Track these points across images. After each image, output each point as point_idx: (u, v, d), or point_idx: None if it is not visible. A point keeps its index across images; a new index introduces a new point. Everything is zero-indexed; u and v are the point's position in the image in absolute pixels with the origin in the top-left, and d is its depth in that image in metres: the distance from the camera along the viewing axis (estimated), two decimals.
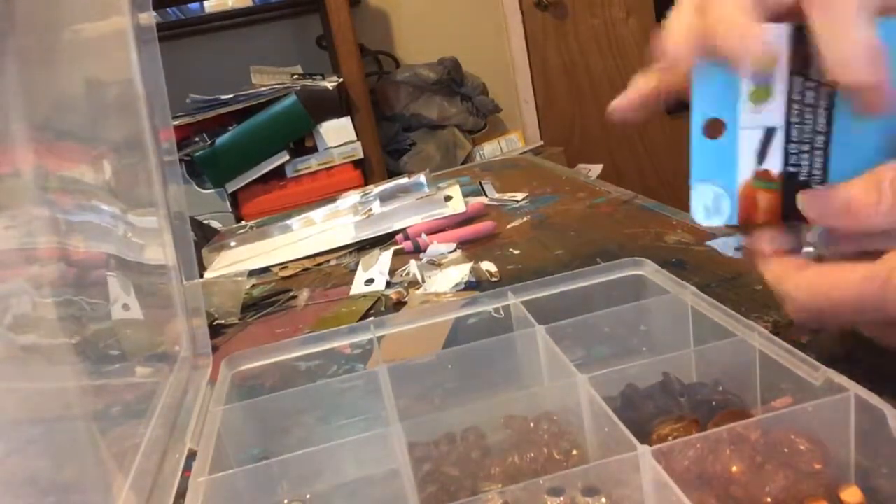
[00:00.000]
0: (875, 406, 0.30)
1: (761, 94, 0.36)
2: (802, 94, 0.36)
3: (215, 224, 1.49)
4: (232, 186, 2.00)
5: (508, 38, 2.65)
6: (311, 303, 0.78)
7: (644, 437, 0.33)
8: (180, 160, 1.85)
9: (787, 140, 0.36)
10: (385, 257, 0.84)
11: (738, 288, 0.58)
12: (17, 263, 0.33)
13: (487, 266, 0.73)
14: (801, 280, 0.35)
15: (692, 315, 0.44)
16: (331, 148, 2.07)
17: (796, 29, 0.35)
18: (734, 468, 0.31)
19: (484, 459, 0.38)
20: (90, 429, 0.37)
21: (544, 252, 0.78)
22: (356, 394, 0.45)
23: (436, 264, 0.79)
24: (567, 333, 0.44)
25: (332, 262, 0.91)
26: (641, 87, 0.40)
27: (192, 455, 0.40)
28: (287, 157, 2.02)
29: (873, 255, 0.33)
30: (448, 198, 0.98)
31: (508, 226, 0.90)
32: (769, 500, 0.31)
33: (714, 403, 0.39)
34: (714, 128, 0.37)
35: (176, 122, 1.87)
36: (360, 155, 2.08)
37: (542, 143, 2.56)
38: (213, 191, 1.99)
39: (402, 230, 0.92)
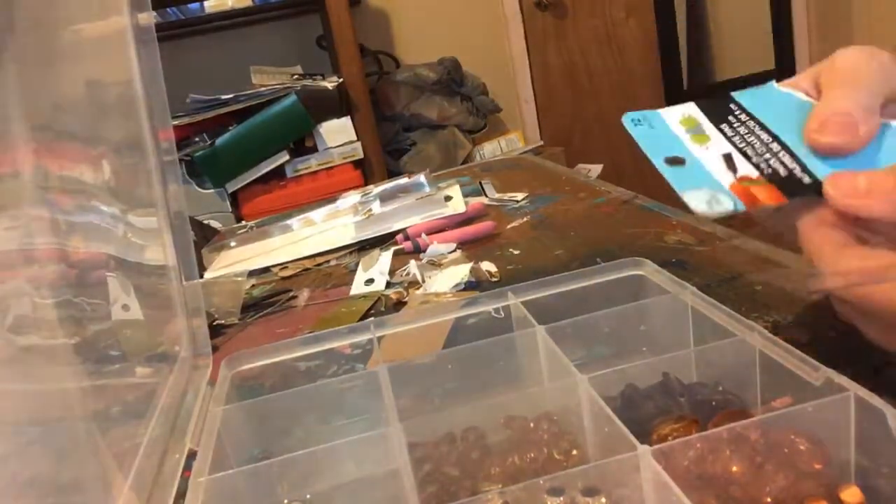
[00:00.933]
0: (875, 406, 0.30)
1: (700, 138, 0.42)
2: (735, 131, 0.41)
3: (215, 224, 1.49)
4: (232, 186, 2.00)
5: (508, 38, 2.65)
6: (311, 303, 0.78)
7: (644, 437, 0.33)
8: (180, 160, 1.85)
9: (746, 156, 0.40)
10: (385, 257, 0.84)
11: (738, 288, 0.58)
12: (17, 264, 0.33)
13: (487, 266, 0.73)
14: (853, 252, 0.35)
15: (692, 315, 0.44)
16: (331, 148, 2.07)
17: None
18: (734, 468, 0.31)
19: (484, 459, 0.38)
20: (90, 429, 0.37)
21: (544, 252, 0.78)
22: (356, 394, 0.45)
23: (436, 264, 0.79)
24: (567, 333, 0.44)
25: (332, 262, 0.91)
26: None
27: (192, 455, 0.40)
28: (287, 157, 2.02)
29: None
30: (448, 198, 0.98)
31: (508, 226, 0.90)
32: (769, 500, 0.31)
33: (714, 403, 0.39)
34: (675, 160, 0.41)
35: (176, 122, 1.87)
36: (360, 155, 2.08)
37: (542, 143, 2.56)
38: (213, 191, 1.99)
39: (402, 230, 0.92)
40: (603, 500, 0.32)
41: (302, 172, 2.06)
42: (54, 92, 0.43)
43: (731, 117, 0.43)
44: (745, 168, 0.39)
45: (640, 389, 0.40)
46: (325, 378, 0.49)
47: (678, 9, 2.74)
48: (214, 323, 0.75)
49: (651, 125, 0.44)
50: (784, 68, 2.81)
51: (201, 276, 0.91)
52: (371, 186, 1.16)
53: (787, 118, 0.40)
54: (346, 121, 2.06)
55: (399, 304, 0.71)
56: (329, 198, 1.18)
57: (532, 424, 0.39)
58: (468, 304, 0.50)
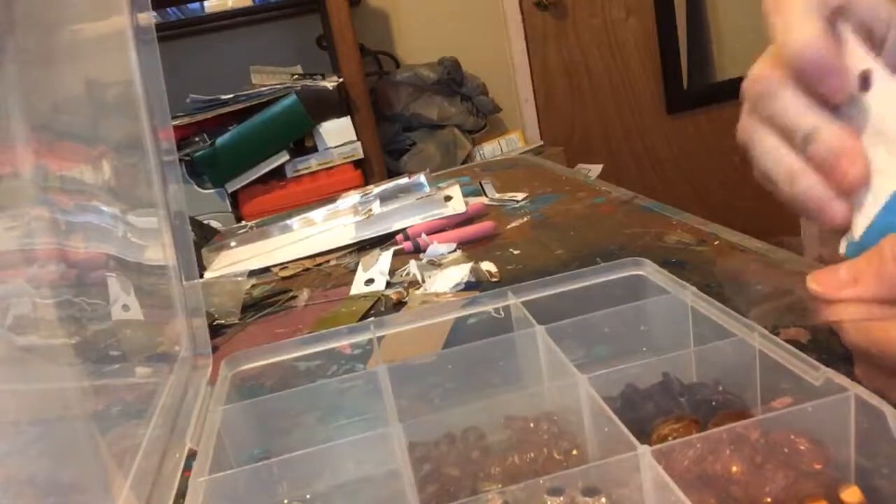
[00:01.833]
0: (875, 406, 0.30)
1: None
2: None
3: (215, 224, 1.49)
4: (232, 186, 2.00)
5: (508, 38, 2.65)
6: (311, 303, 0.78)
7: (644, 437, 0.33)
8: (180, 160, 1.84)
9: None
10: (385, 257, 0.84)
11: (738, 288, 0.58)
12: (17, 264, 0.33)
13: (487, 266, 0.73)
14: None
15: (692, 315, 0.44)
16: (331, 148, 2.06)
17: None
18: (734, 468, 0.31)
19: (484, 459, 0.38)
20: (90, 429, 0.37)
21: (544, 252, 0.78)
22: (356, 394, 0.45)
23: (436, 264, 0.79)
24: (567, 333, 0.44)
25: (332, 262, 0.91)
26: None
27: (192, 455, 0.40)
28: (287, 157, 2.02)
29: None
30: (448, 198, 0.98)
31: (508, 226, 0.90)
32: (769, 500, 0.31)
33: (714, 403, 0.39)
34: None
35: (176, 122, 1.87)
36: (360, 155, 2.08)
37: (542, 143, 2.56)
38: (213, 191, 1.99)
39: (402, 230, 0.92)
40: (603, 500, 0.32)
41: (302, 172, 2.06)
42: (54, 92, 0.43)
43: None
44: None
45: (640, 389, 0.40)
46: (325, 378, 0.49)
47: (678, 9, 2.74)
48: (214, 323, 0.75)
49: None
50: None
51: (201, 276, 0.91)
52: (371, 186, 1.16)
53: None
54: (346, 121, 2.06)
55: (399, 304, 0.71)
56: (329, 198, 1.18)
57: (532, 424, 0.39)
58: (468, 304, 0.49)
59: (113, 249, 0.47)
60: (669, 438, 0.35)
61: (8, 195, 0.34)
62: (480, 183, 1.13)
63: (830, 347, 0.45)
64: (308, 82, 2.06)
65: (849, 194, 0.33)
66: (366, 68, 2.26)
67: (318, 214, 1.07)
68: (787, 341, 0.36)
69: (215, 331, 0.73)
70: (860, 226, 0.33)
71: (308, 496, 0.38)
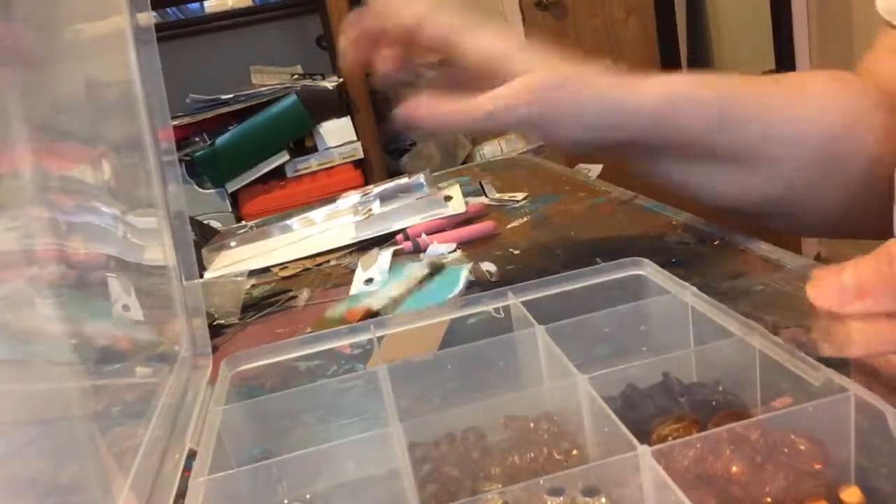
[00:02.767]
0: (875, 406, 0.30)
1: None
2: None
3: (215, 224, 1.49)
4: (232, 186, 2.00)
5: None
6: (311, 303, 0.78)
7: (644, 437, 0.33)
8: (180, 160, 1.85)
9: None
10: (384, 256, 0.84)
11: (739, 288, 0.58)
12: (17, 264, 0.33)
13: (487, 266, 0.73)
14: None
15: (692, 315, 0.44)
16: (331, 148, 2.06)
17: None
18: (734, 468, 0.31)
19: (484, 459, 0.38)
20: (90, 429, 0.37)
21: (544, 252, 0.78)
22: (356, 394, 0.45)
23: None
24: (567, 333, 0.44)
25: (332, 262, 0.91)
26: None
27: (192, 455, 0.40)
28: (287, 157, 2.02)
29: None
30: (448, 198, 0.98)
31: (508, 226, 0.90)
32: (769, 500, 0.31)
33: (714, 403, 0.39)
34: None
35: (176, 122, 1.87)
36: (360, 155, 2.08)
37: (542, 143, 2.56)
38: (213, 191, 1.99)
39: (402, 230, 0.92)
40: (603, 500, 0.32)
41: (302, 172, 2.06)
42: (54, 92, 0.43)
43: None
44: None
45: (640, 389, 0.40)
46: (325, 378, 0.49)
47: (678, 9, 2.74)
48: (214, 323, 0.75)
49: None
50: (784, 68, 2.82)
51: (201, 276, 0.91)
52: (371, 186, 1.15)
53: None
54: (345, 121, 2.06)
55: None
56: (329, 198, 1.18)
57: (532, 424, 0.39)
58: (468, 303, 0.50)
59: (113, 250, 0.47)
60: (669, 438, 0.35)
61: (8, 195, 0.34)
62: (480, 183, 1.13)
63: None
64: (308, 82, 2.06)
65: None
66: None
67: (318, 214, 1.07)
68: (787, 341, 0.36)
69: (215, 331, 0.73)
70: None
71: (308, 496, 0.38)
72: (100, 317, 0.44)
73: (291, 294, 0.81)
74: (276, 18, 2.44)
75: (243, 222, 1.40)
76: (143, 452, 0.41)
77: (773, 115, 0.58)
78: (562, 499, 0.31)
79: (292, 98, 1.96)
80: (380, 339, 0.49)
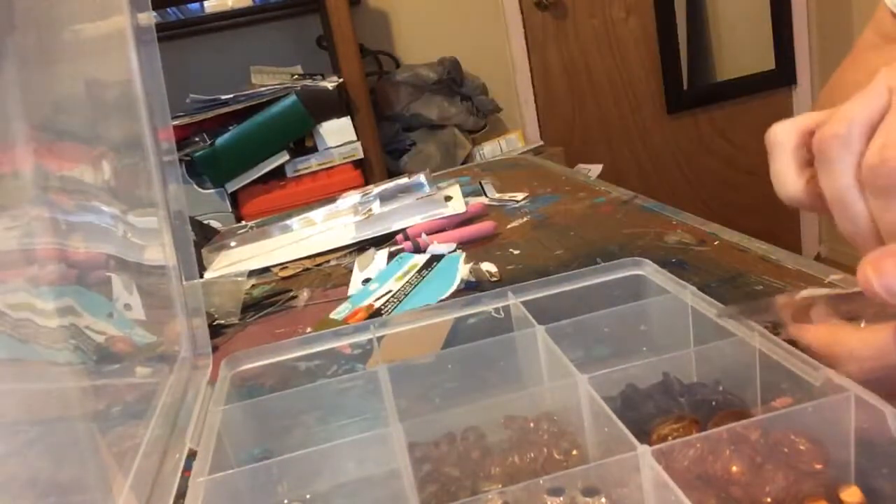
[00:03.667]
0: (875, 406, 0.30)
1: None
2: None
3: (215, 224, 1.49)
4: (232, 186, 2.00)
5: (508, 38, 2.65)
6: (311, 303, 0.78)
7: (644, 437, 0.33)
8: (180, 160, 1.84)
9: None
10: (381, 256, 0.84)
11: (738, 288, 0.58)
12: (17, 264, 0.33)
13: (487, 266, 0.73)
14: (867, 335, 0.31)
15: (692, 315, 0.44)
16: (331, 148, 2.06)
17: None
18: (734, 468, 0.31)
19: (484, 459, 0.38)
20: (90, 429, 0.37)
21: (544, 252, 0.78)
22: (356, 394, 0.45)
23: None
24: (567, 333, 0.44)
25: (332, 262, 0.91)
26: None
27: (192, 455, 0.40)
28: (287, 157, 2.02)
29: None
30: (448, 198, 0.98)
31: (508, 226, 0.90)
32: (769, 500, 0.31)
33: (714, 403, 0.39)
34: None
35: (176, 122, 1.87)
36: (360, 155, 2.08)
37: (542, 143, 2.55)
38: (213, 191, 1.99)
39: (403, 230, 0.92)
40: (603, 500, 0.32)
41: (302, 172, 2.05)
42: (54, 92, 0.43)
43: None
44: None
45: (640, 389, 0.40)
46: (325, 378, 0.49)
47: (678, 9, 2.74)
48: (214, 323, 0.75)
49: None
50: (784, 68, 2.81)
51: (201, 276, 0.91)
52: (371, 186, 1.15)
53: None
54: (346, 121, 2.06)
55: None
56: (329, 198, 1.18)
57: (532, 424, 0.39)
58: (468, 304, 0.50)
59: (113, 249, 0.47)
60: (669, 438, 0.35)
61: (8, 195, 0.34)
62: (480, 183, 1.13)
63: None
64: (308, 82, 2.06)
65: None
66: (366, 68, 2.26)
67: (318, 214, 1.08)
68: (787, 341, 0.36)
69: (215, 331, 0.73)
70: None
71: (308, 496, 0.38)
72: (100, 317, 0.44)
73: (291, 294, 0.81)
74: (276, 18, 2.44)
75: (243, 222, 1.40)
76: (143, 452, 0.41)
77: None
78: (562, 499, 0.31)
79: (292, 98, 1.96)
80: (380, 339, 0.49)
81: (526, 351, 0.45)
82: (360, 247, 0.94)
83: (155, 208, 0.54)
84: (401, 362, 0.44)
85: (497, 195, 1.06)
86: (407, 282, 0.73)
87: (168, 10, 2.28)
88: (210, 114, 1.96)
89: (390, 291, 0.72)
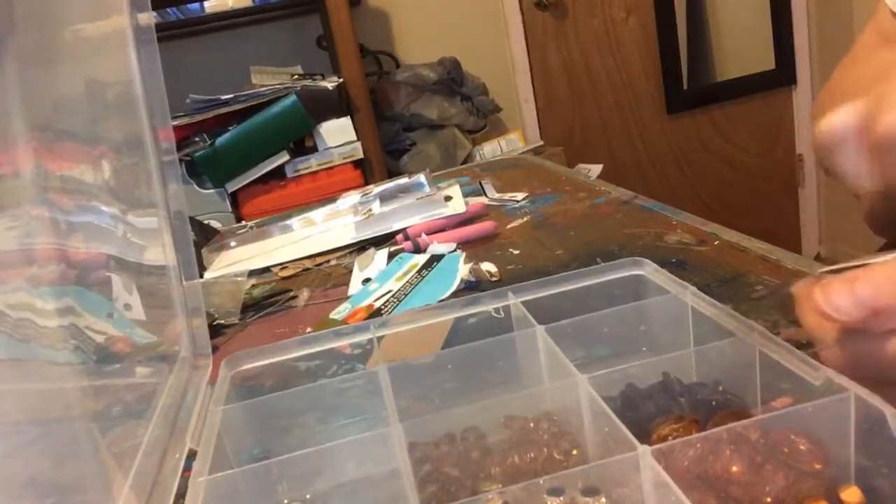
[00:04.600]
0: (875, 406, 0.30)
1: None
2: None
3: (215, 224, 1.49)
4: (232, 186, 2.00)
5: (508, 38, 2.65)
6: (311, 303, 0.78)
7: (644, 437, 0.33)
8: (180, 160, 1.84)
9: None
10: (381, 256, 0.84)
11: (738, 288, 0.58)
12: (17, 264, 0.33)
13: (487, 266, 0.73)
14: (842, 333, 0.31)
15: (692, 315, 0.44)
16: (331, 148, 2.06)
17: None
18: (734, 468, 0.31)
19: (484, 459, 0.38)
20: (90, 429, 0.37)
21: (544, 252, 0.78)
22: (356, 394, 0.45)
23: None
24: (567, 333, 0.44)
25: (332, 262, 0.91)
26: None
27: (192, 455, 0.40)
28: (287, 157, 2.02)
29: None
30: (448, 198, 0.98)
31: (508, 226, 0.90)
32: (769, 500, 0.31)
33: (714, 403, 0.38)
34: None
35: (176, 122, 1.87)
36: (360, 155, 2.08)
37: (542, 143, 2.55)
38: (213, 191, 1.99)
39: (403, 230, 0.92)
40: (603, 500, 0.32)
41: (302, 172, 2.05)
42: (54, 92, 0.43)
43: None
44: None
45: (640, 389, 0.40)
46: (325, 378, 0.49)
47: (678, 9, 2.74)
48: (214, 323, 0.75)
49: None
50: (784, 68, 2.81)
51: (201, 276, 0.91)
52: (371, 186, 1.15)
53: None
54: (346, 121, 2.06)
55: None
56: (329, 198, 1.18)
57: (532, 424, 0.39)
58: (468, 304, 0.49)
59: (113, 249, 0.47)
60: (669, 438, 0.35)
61: (8, 195, 0.34)
62: (480, 183, 1.13)
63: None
64: (308, 82, 2.06)
65: None
66: (366, 68, 2.26)
67: (318, 214, 1.08)
68: (787, 341, 0.36)
69: (215, 331, 0.73)
70: None
71: (308, 496, 0.38)
72: (100, 317, 0.44)
73: (291, 294, 0.81)
74: (276, 18, 2.44)
75: (243, 222, 1.40)
76: (143, 452, 0.41)
77: None
78: (562, 499, 0.31)
79: (292, 98, 1.96)
80: (380, 339, 0.49)
81: (526, 351, 0.45)
82: (360, 247, 0.94)
83: (155, 208, 0.54)
84: (401, 362, 0.44)
85: (497, 195, 1.06)
86: (407, 282, 0.73)
87: (168, 10, 2.28)
88: (210, 114, 1.96)
89: (390, 291, 0.72)
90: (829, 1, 2.73)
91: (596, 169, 2.41)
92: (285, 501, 0.38)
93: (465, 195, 1.01)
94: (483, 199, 1.04)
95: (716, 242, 0.69)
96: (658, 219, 0.80)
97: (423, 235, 0.87)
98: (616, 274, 0.49)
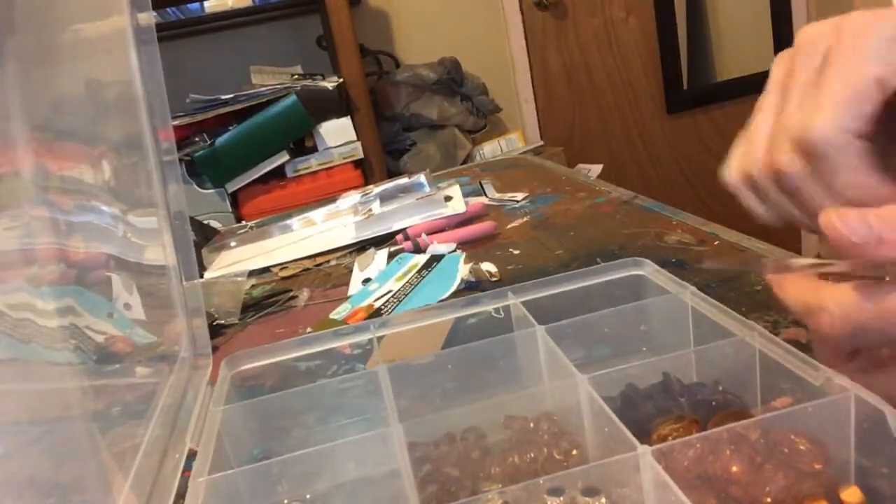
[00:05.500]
0: (875, 406, 0.30)
1: None
2: None
3: (215, 224, 1.49)
4: (232, 186, 2.00)
5: (508, 38, 2.65)
6: (311, 303, 0.78)
7: (644, 437, 0.33)
8: (180, 160, 1.84)
9: None
10: (381, 256, 0.84)
11: (738, 288, 0.58)
12: (17, 264, 0.33)
13: (487, 266, 0.73)
14: (841, 291, 0.31)
15: (692, 315, 0.44)
16: (331, 148, 2.06)
17: None
18: (734, 468, 0.31)
19: (484, 459, 0.38)
20: (90, 429, 0.37)
21: (544, 252, 0.78)
22: (356, 394, 0.45)
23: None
24: (567, 333, 0.44)
25: (332, 262, 0.91)
26: None
27: (192, 455, 0.40)
28: (287, 157, 2.02)
29: None
30: (448, 198, 0.98)
31: (508, 226, 0.90)
32: (769, 500, 0.31)
33: (714, 403, 0.39)
34: None
35: (176, 122, 1.87)
36: (360, 155, 2.08)
37: (542, 143, 2.56)
38: (213, 191, 1.99)
39: (403, 230, 0.92)
40: (603, 500, 0.32)
41: (302, 172, 2.05)
42: (54, 92, 0.43)
43: None
44: None
45: (640, 389, 0.40)
46: (325, 378, 0.49)
47: (678, 9, 2.74)
48: (214, 323, 0.75)
49: None
50: None
51: (201, 276, 0.91)
52: (371, 186, 1.15)
53: None
54: (346, 121, 2.06)
55: None
56: (329, 198, 1.18)
57: (532, 424, 0.39)
58: (468, 304, 0.49)
59: (113, 249, 0.47)
60: (669, 438, 0.35)
61: (8, 195, 0.34)
62: (480, 183, 1.13)
63: None
64: (308, 82, 2.06)
65: None
66: (366, 68, 2.26)
67: (318, 214, 1.08)
68: (787, 341, 0.36)
69: (215, 331, 0.73)
70: None
71: (308, 496, 0.38)
72: (100, 317, 0.44)
73: (291, 294, 0.81)
74: (276, 18, 2.44)
75: (243, 222, 1.40)
76: (143, 452, 0.41)
77: None
78: (562, 499, 0.31)
79: (292, 98, 1.96)
80: (380, 339, 0.49)
81: (526, 351, 0.45)
82: (360, 247, 0.94)
83: (155, 208, 0.54)
84: (401, 362, 0.44)
85: (497, 195, 1.06)
86: (407, 282, 0.73)
87: (168, 10, 2.28)
88: (210, 114, 1.96)
89: (390, 291, 0.72)
90: (830, 1, 2.73)
91: (596, 169, 2.42)
92: (285, 501, 0.38)
93: (465, 195, 1.01)
94: (483, 199, 1.04)
95: (716, 242, 0.69)
96: (658, 219, 0.80)
97: (423, 235, 0.87)
98: (616, 274, 0.49)
